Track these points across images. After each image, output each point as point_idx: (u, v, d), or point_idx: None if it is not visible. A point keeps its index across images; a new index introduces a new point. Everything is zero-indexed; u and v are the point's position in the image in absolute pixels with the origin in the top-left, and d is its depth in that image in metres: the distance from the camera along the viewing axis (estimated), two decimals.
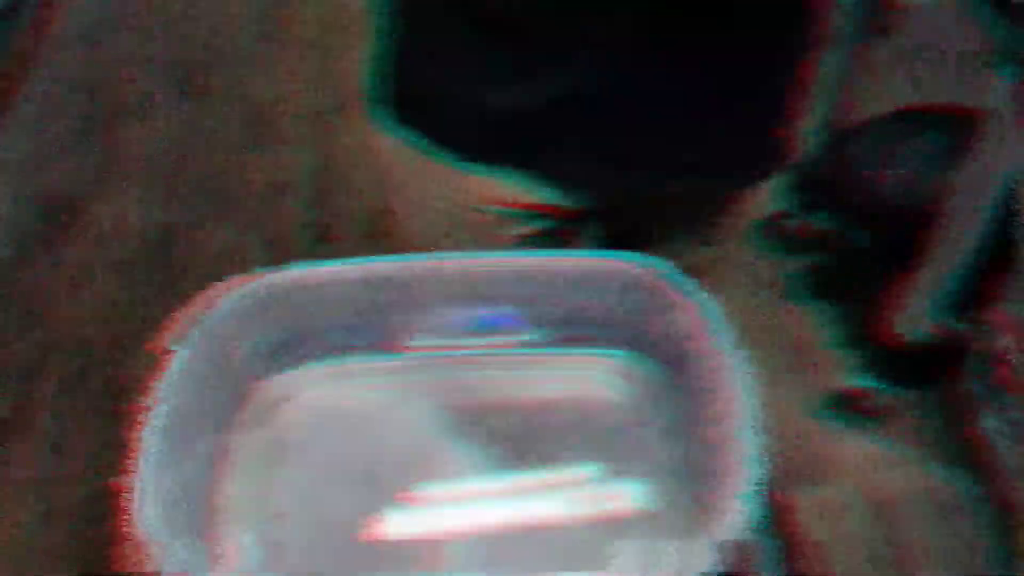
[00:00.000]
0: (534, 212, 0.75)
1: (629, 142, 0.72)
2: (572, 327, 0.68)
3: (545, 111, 0.68)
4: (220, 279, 2.18)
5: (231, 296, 0.62)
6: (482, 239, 0.72)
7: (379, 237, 0.64)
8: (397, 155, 0.76)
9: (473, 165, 0.73)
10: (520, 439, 0.64)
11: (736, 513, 0.50)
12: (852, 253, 1.60)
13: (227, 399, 0.64)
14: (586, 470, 0.62)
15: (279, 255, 1.89)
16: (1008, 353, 1.39)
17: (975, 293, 1.48)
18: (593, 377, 0.69)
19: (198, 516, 0.57)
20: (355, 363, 0.68)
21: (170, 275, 1.87)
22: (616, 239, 0.70)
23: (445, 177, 0.74)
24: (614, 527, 0.59)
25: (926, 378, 1.81)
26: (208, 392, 0.61)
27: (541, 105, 0.68)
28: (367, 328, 0.68)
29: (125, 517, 0.50)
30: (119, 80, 2.58)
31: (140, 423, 0.55)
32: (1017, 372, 1.34)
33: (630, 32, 0.64)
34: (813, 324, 1.85)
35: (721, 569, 0.64)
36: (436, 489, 0.61)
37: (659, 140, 0.71)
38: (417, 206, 0.79)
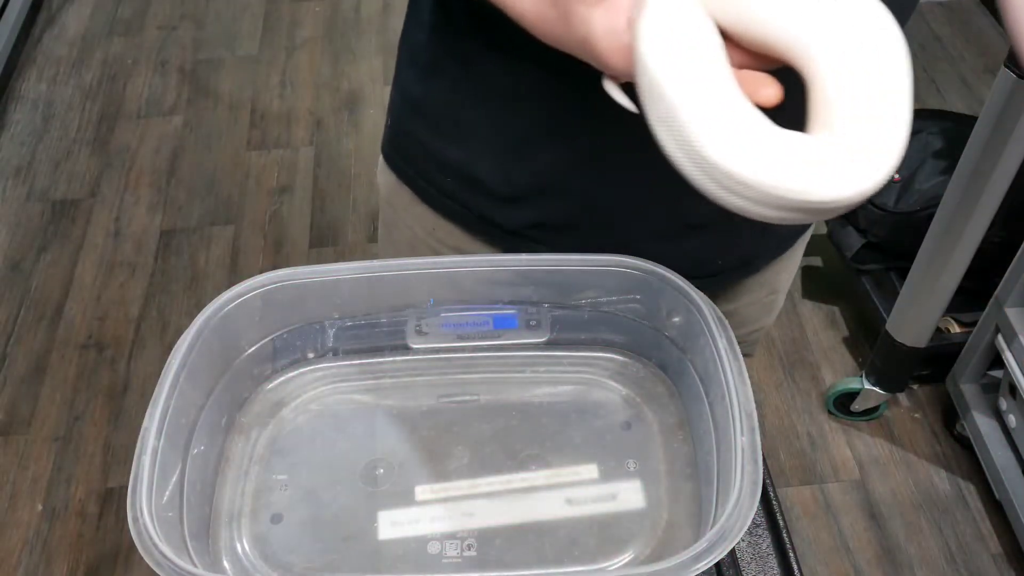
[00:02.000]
0: None
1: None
2: (572, 327, 0.68)
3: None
4: (221, 280, 2.18)
5: (232, 297, 0.62)
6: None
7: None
8: (388, 189, 0.76)
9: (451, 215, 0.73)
10: (520, 439, 0.64)
11: (736, 513, 0.51)
12: (852, 254, 1.60)
13: (227, 399, 0.64)
14: (586, 470, 0.62)
15: (279, 255, 1.89)
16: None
17: (974, 293, 1.48)
18: (593, 377, 0.69)
19: (197, 516, 0.57)
20: (355, 363, 0.69)
21: (172, 276, 1.88)
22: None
23: (419, 218, 0.74)
24: (614, 527, 0.60)
25: (925, 378, 1.81)
26: (208, 393, 0.62)
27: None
28: (367, 328, 0.68)
29: (125, 517, 0.50)
30: (124, 83, 2.57)
31: (140, 423, 0.55)
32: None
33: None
34: (813, 324, 1.85)
35: (720, 567, 0.65)
36: (435, 488, 0.61)
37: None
38: (388, 232, 0.80)
